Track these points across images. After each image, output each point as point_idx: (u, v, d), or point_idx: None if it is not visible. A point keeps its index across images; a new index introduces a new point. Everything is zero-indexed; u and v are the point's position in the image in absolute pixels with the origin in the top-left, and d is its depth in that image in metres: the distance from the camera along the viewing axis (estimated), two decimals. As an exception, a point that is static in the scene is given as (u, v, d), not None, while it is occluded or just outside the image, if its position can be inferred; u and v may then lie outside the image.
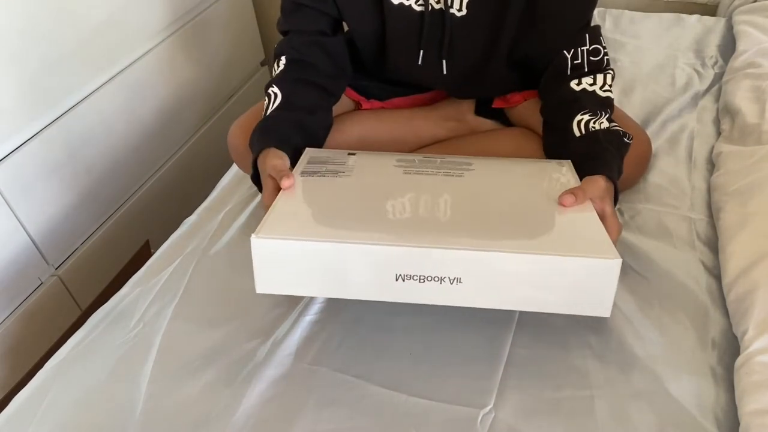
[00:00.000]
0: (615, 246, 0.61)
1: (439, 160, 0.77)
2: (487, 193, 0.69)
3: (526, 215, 0.65)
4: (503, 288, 0.60)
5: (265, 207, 0.71)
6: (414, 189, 0.69)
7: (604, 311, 0.60)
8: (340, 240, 0.60)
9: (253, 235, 0.60)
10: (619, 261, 0.58)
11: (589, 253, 0.58)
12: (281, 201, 0.67)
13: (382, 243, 0.59)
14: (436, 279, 0.59)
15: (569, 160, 0.78)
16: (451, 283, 0.59)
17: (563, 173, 0.74)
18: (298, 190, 0.69)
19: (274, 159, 0.74)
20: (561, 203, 0.65)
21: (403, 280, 0.60)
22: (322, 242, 0.60)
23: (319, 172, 0.73)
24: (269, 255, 0.61)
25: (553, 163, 0.78)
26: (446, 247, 0.58)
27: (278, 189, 0.71)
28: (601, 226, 0.63)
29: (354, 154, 0.79)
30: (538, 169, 0.76)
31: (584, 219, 0.64)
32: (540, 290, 0.60)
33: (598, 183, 0.69)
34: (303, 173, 0.73)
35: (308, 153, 0.79)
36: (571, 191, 0.67)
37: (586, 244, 0.60)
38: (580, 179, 0.73)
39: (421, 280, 0.60)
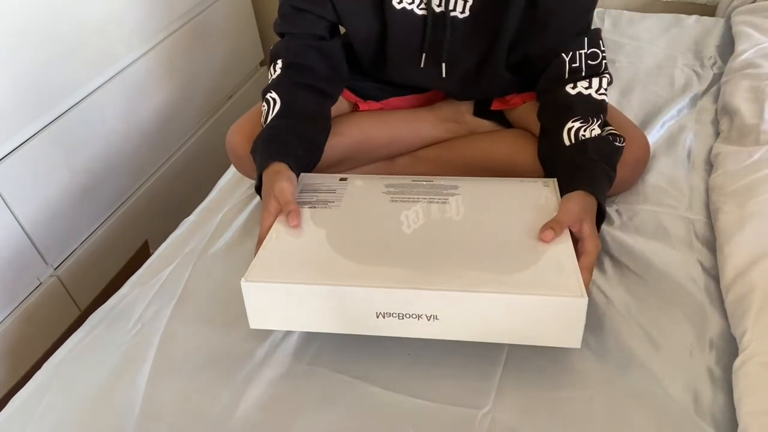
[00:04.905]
0: (591, 273, 0.66)
1: (426, 183, 0.80)
2: (468, 224, 0.72)
3: (502, 249, 0.68)
4: (477, 323, 0.63)
5: (262, 228, 0.72)
6: (398, 221, 0.73)
7: (575, 343, 0.63)
8: (322, 283, 0.64)
9: (243, 279, 0.64)
10: (585, 299, 0.60)
11: (556, 292, 0.61)
12: (270, 241, 0.70)
13: (362, 285, 0.63)
14: (414, 316, 0.63)
15: (554, 179, 0.79)
16: (428, 320, 0.63)
17: (547, 195, 0.77)
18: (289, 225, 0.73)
19: (283, 181, 0.74)
20: (541, 239, 0.68)
21: (384, 317, 0.64)
22: (306, 285, 0.64)
23: (310, 202, 0.77)
24: (259, 296, 0.65)
25: (538, 184, 0.80)
26: (421, 288, 0.62)
27: (279, 211, 0.73)
28: (574, 259, 0.65)
29: (345, 179, 0.83)
30: (522, 193, 0.78)
31: (558, 251, 0.67)
32: (512, 325, 0.63)
33: (574, 209, 0.70)
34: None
35: (302, 180, 0.82)
36: (550, 225, 0.68)
37: (556, 282, 0.62)
38: (566, 190, 0.73)
39: (400, 317, 0.63)
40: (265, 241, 0.70)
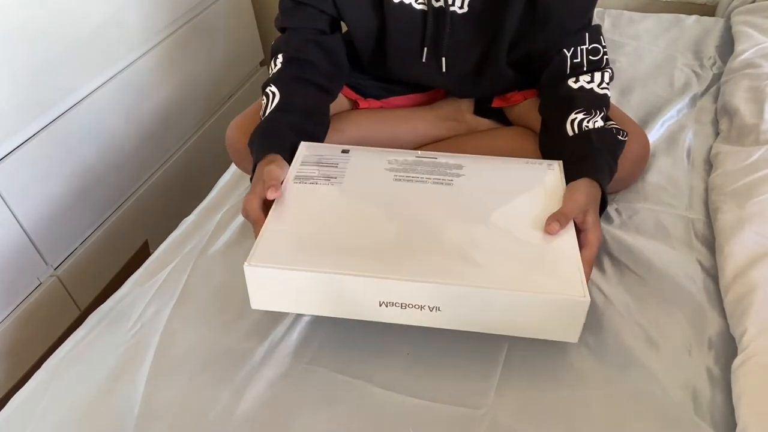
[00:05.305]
0: (591, 266, 0.66)
1: (430, 160, 0.79)
2: (473, 211, 0.72)
3: (507, 240, 0.67)
4: (479, 316, 0.64)
5: (244, 207, 0.71)
6: (402, 204, 0.72)
7: (573, 338, 0.64)
8: (326, 270, 0.63)
9: (245, 263, 0.64)
10: (587, 300, 0.61)
11: (559, 291, 0.61)
12: (272, 222, 0.69)
13: (365, 274, 0.63)
14: (417, 306, 0.63)
15: (560, 161, 0.78)
16: (431, 311, 0.64)
17: (552, 179, 0.76)
18: (290, 204, 0.72)
19: (272, 164, 0.74)
20: (547, 232, 0.68)
21: (386, 306, 0.64)
22: (310, 272, 0.64)
23: (311, 177, 0.76)
24: (262, 280, 0.65)
25: (543, 165, 0.79)
26: (424, 281, 0.62)
27: (265, 199, 0.72)
28: (578, 255, 0.65)
29: (347, 151, 0.81)
30: (527, 176, 0.77)
31: (562, 246, 0.67)
32: (512, 319, 0.64)
33: (580, 199, 0.70)
34: (296, 179, 0.75)
35: (302, 150, 0.81)
36: (556, 217, 0.68)
37: (559, 280, 0.63)
38: (571, 179, 0.73)
39: (403, 307, 0.64)
40: (266, 222, 0.69)
